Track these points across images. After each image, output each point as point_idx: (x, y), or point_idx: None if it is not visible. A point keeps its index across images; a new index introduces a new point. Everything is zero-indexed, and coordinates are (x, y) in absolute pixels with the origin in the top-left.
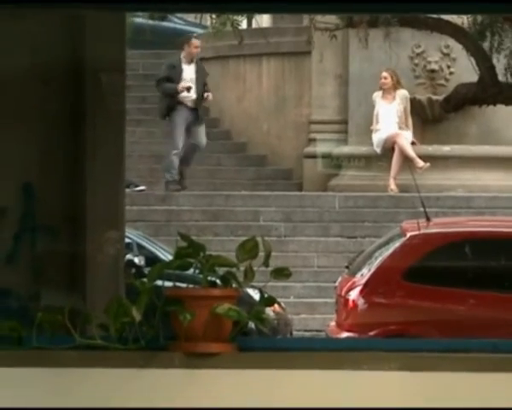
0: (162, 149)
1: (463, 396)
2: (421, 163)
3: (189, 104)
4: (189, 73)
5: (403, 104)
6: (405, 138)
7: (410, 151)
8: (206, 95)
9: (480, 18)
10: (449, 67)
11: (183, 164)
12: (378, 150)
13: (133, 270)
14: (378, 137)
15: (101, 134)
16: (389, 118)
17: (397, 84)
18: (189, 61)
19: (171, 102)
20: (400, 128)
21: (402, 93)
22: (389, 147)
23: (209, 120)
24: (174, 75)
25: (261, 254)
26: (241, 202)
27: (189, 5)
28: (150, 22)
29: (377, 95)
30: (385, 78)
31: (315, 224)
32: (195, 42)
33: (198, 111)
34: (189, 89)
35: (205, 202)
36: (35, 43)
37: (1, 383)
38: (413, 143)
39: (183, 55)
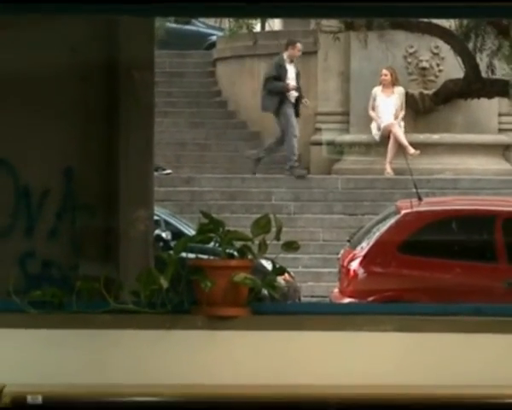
0: (186, 138)
1: (449, 354)
2: (412, 150)
3: (292, 100)
4: (290, 72)
5: (400, 99)
6: (399, 128)
7: (403, 140)
8: (304, 100)
9: (465, 21)
10: (438, 65)
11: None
12: (376, 138)
13: (161, 243)
14: (376, 127)
15: (132, 124)
16: (387, 110)
17: (395, 81)
18: (290, 62)
19: (282, 97)
20: (395, 119)
21: (399, 89)
22: (386, 135)
23: (227, 112)
24: (281, 74)
25: (273, 229)
26: (256, 184)
27: (209, 10)
28: (175, 25)
29: (377, 89)
30: (385, 74)
31: (320, 203)
32: (299, 45)
33: (298, 106)
34: (297, 88)
35: (223, 184)
36: (75, 44)
37: (44, 343)
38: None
39: (286, 55)
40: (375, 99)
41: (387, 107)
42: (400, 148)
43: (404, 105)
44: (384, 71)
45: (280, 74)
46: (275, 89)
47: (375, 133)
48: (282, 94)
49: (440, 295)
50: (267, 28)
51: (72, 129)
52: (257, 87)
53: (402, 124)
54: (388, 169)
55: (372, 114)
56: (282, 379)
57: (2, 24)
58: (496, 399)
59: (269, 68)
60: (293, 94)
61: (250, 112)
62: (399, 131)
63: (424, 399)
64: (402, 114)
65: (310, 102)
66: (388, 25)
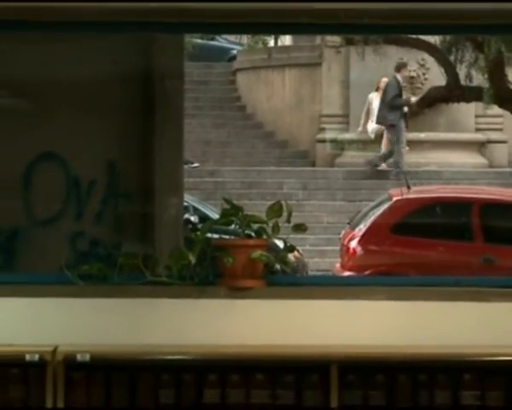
0: (211, 136)
1: (433, 319)
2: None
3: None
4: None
5: None
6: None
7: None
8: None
9: (447, 38)
10: (424, 74)
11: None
12: (372, 136)
13: (190, 226)
14: (372, 127)
15: (165, 124)
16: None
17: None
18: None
19: (401, 112)
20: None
21: None
22: (379, 134)
23: (246, 115)
24: (401, 91)
25: (284, 214)
26: (270, 175)
27: (231, 28)
28: (202, 41)
29: (373, 94)
30: (383, 82)
31: (324, 191)
32: (408, 67)
33: (406, 120)
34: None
35: (242, 175)
36: (117, 56)
37: (90, 310)
38: None
39: (399, 76)
40: (371, 103)
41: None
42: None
43: None
44: (383, 79)
45: (401, 92)
46: (399, 104)
47: (371, 131)
48: (401, 109)
49: (426, 269)
50: (279, 43)
51: (115, 128)
52: (271, 94)
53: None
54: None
55: (363, 116)
56: (291, 340)
57: (58, 39)
58: (471, 357)
59: (389, 88)
60: (405, 109)
61: (265, 114)
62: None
63: (412, 356)
64: None
65: (315, 105)
66: (382, 40)
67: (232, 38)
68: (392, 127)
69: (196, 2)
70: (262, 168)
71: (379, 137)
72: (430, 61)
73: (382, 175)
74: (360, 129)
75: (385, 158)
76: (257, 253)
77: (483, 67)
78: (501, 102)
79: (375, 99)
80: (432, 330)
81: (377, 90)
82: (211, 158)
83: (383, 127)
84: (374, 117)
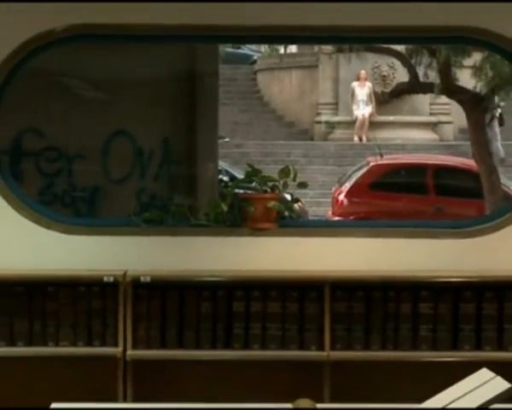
0: (238, 119)
1: (400, 251)
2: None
3: None
4: None
5: (369, 89)
6: (369, 112)
7: (367, 121)
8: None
9: (410, 46)
10: (393, 73)
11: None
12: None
13: (222, 184)
14: (355, 110)
15: (205, 110)
16: (362, 97)
17: (366, 78)
18: None
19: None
20: (367, 104)
21: (368, 84)
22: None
23: (263, 103)
24: None
25: (291, 175)
26: (280, 147)
27: (252, 39)
28: (231, 49)
29: (355, 83)
30: (362, 73)
31: (320, 159)
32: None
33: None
34: None
35: (260, 147)
36: (170, 60)
37: (151, 245)
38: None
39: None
40: (353, 89)
41: (361, 95)
42: (370, 125)
43: (372, 96)
44: (362, 71)
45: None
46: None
47: (356, 114)
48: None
49: (394, 215)
50: (288, 51)
51: (168, 113)
52: (282, 88)
53: (372, 107)
54: (363, 138)
55: (350, 102)
56: (296, 267)
57: (128, 48)
58: (427, 279)
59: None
60: None
61: (277, 103)
62: (367, 114)
63: (383, 278)
64: (372, 98)
65: (313, 96)
66: (363, 49)
67: (253, 47)
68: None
69: (226, 20)
70: (275, 142)
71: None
72: (397, 64)
73: (361, 146)
74: (351, 108)
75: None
76: (271, 203)
77: (435, 68)
78: (448, 93)
79: (356, 87)
80: (398, 259)
81: (358, 79)
82: (237, 134)
83: (363, 112)
84: (357, 102)
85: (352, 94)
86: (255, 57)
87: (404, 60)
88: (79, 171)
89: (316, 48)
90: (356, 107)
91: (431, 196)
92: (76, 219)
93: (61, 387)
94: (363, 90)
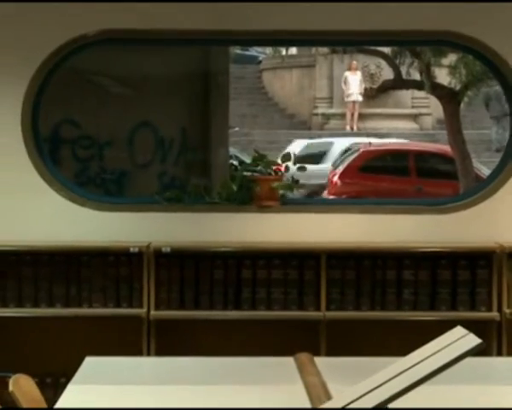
0: (245, 111)
1: (388, 225)
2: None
3: None
4: None
5: (359, 78)
6: (359, 104)
7: (357, 113)
8: None
9: (395, 48)
10: (380, 72)
11: None
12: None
13: (233, 167)
14: (346, 100)
15: (217, 103)
16: (353, 84)
17: (357, 68)
18: None
19: None
20: (359, 89)
21: (359, 73)
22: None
23: (267, 98)
24: None
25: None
26: (282, 136)
27: (258, 42)
28: (240, 51)
29: (347, 73)
30: (354, 63)
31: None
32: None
33: None
34: None
35: (266, 136)
36: (185, 60)
37: (171, 220)
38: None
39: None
40: (346, 77)
41: (353, 81)
42: (359, 116)
43: (362, 82)
44: (354, 62)
45: None
46: None
47: (349, 100)
48: None
49: (381, 193)
50: (289, 52)
51: (186, 106)
52: (284, 85)
53: (361, 98)
54: (354, 127)
55: (343, 87)
56: (296, 239)
57: (151, 50)
58: (409, 249)
59: None
60: None
61: (280, 98)
62: (357, 106)
63: (372, 249)
64: (361, 88)
65: (311, 92)
66: (354, 50)
67: (259, 49)
68: None
69: (236, 26)
70: (278, 131)
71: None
72: (383, 63)
73: (353, 134)
74: (346, 93)
75: None
76: (275, 184)
77: (417, 67)
78: (428, 89)
79: (349, 76)
80: (384, 233)
81: (350, 69)
82: (245, 125)
83: (353, 104)
84: (350, 89)
85: (346, 81)
86: (260, 58)
87: (390, 60)
88: (109, 156)
89: (313, 49)
90: (350, 92)
91: (412, 177)
92: (106, 198)
93: (93, 343)
94: (355, 77)
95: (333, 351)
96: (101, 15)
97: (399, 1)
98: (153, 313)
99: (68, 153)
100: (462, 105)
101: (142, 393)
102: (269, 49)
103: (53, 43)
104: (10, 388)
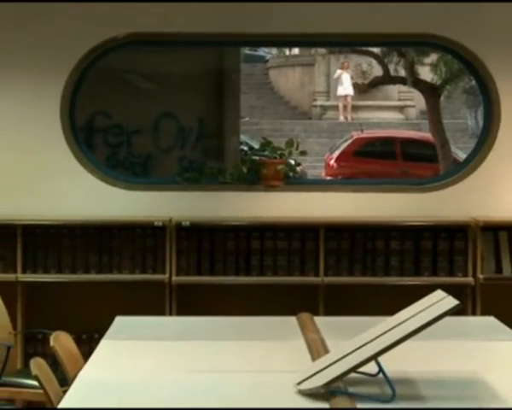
0: (255, 104)
1: (378, 202)
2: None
3: None
4: None
5: (350, 74)
6: (351, 95)
7: (350, 105)
8: None
9: (384, 49)
10: (370, 69)
11: None
12: (345, 93)
13: (243, 152)
14: (340, 92)
15: (230, 97)
16: (346, 80)
17: (348, 66)
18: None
19: None
20: (350, 84)
21: (349, 70)
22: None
23: (273, 92)
24: None
25: (295, 145)
26: (286, 125)
27: (265, 43)
28: (249, 51)
29: (339, 71)
30: (345, 62)
31: (316, 133)
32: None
33: None
34: None
35: (271, 125)
36: (202, 59)
37: (190, 198)
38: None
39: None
40: (340, 75)
41: (346, 78)
42: (352, 108)
43: (351, 79)
44: (345, 63)
45: None
46: None
47: (342, 93)
48: None
49: (371, 175)
50: (292, 52)
51: (203, 99)
52: (288, 81)
53: (352, 92)
54: (348, 117)
55: (337, 83)
56: (298, 214)
57: (171, 50)
58: (396, 222)
59: None
60: None
61: (285, 92)
62: (350, 98)
63: (363, 223)
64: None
65: (311, 87)
66: (348, 51)
67: (266, 49)
68: None
69: (247, 29)
70: (282, 121)
71: (345, 103)
72: (374, 62)
73: (347, 124)
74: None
75: None
76: (280, 166)
77: (403, 65)
78: (412, 84)
79: (341, 74)
80: (374, 209)
81: (342, 68)
82: (255, 115)
83: (346, 97)
84: (343, 84)
85: (339, 77)
86: (267, 57)
87: (379, 59)
88: (136, 143)
89: (313, 50)
90: (342, 88)
91: (399, 161)
92: (134, 179)
93: (122, 305)
94: (346, 74)
95: (330, 311)
96: (129, 20)
97: (390, 1)
98: (174, 278)
99: (101, 140)
100: (441, 98)
101: (165, 347)
102: (274, 50)
103: (88, 44)
104: (51, 343)
